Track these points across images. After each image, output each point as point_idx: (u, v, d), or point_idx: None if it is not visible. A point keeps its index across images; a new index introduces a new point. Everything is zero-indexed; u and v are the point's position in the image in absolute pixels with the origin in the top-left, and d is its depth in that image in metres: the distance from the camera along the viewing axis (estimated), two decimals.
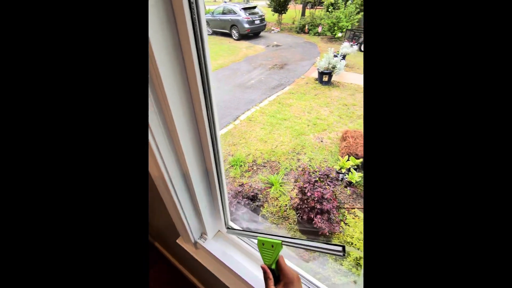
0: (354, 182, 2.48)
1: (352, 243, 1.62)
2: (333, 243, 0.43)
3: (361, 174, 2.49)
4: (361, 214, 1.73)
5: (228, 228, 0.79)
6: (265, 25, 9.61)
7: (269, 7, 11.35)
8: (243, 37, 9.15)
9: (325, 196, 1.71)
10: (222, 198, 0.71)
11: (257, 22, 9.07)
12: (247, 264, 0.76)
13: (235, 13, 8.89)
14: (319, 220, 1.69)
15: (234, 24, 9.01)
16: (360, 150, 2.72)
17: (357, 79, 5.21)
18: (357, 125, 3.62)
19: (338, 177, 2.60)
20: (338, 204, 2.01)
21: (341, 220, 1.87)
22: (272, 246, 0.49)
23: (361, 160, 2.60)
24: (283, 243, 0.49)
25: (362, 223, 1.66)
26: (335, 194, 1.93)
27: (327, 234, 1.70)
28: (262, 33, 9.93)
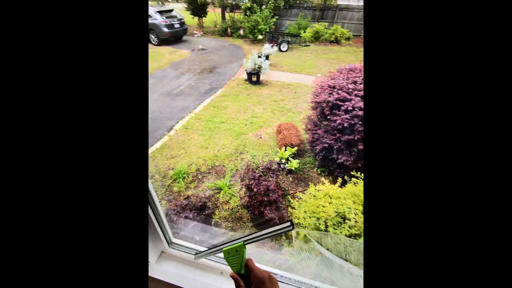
0: (293, 169, 2.75)
1: (299, 223, 1.80)
2: (281, 222, 0.44)
3: (298, 161, 2.78)
4: (303, 196, 1.94)
5: (173, 248, 0.73)
6: (186, 29, 9.28)
7: (187, 10, 11.02)
8: (164, 42, 8.58)
9: (270, 188, 1.83)
10: (157, 218, 0.66)
11: (177, 26, 8.67)
12: (205, 279, 0.73)
13: (150, 16, 8.20)
14: (269, 211, 1.79)
15: (151, 28, 8.31)
16: (294, 140, 3.03)
17: (282, 76, 5.76)
18: (288, 117, 4.00)
19: (280, 167, 2.82)
20: (283, 192, 2.18)
21: (288, 206, 2.05)
22: (237, 251, 0.48)
23: (296, 148, 2.91)
24: (244, 242, 0.48)
25: (305, 204, 1.86)
26: (279, 184, 2.09)
27: (278, 222, 1.83)
28: (184, 37, 9.56)
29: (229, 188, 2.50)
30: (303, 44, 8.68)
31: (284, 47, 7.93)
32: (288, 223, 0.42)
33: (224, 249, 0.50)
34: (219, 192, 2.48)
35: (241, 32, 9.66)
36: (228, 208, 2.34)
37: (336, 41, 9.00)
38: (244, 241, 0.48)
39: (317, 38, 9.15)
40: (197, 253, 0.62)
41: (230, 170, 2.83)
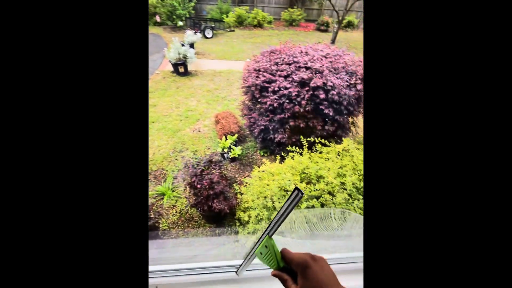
0: (237, 156, 2.77)
1: (250, 207, 1.86)
2: (291, 193, 0.39)
3: (240, 147, 2.81)
4: (250, 180, 1.99)
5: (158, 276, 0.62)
6: None
7: None
8: None
9: (214, 180, 1.78)
10: None
11: None
12: None
13: None
14: (217, 204, 1.76)
15: None
16: (233, 127, 3.02)
17: (211, 64, 5.54)
18: (225, 106, 3.94)
19: (224, 157, 2.79)
20: (229, 181, 2.18)
21: (236, 193, 2.07)
22: (266, 247, 0.44)
23: (236, 135, 2.92)
24: (269, 234, 0.44)
25: (252, 187, 1.92)
26: (224, 174, 2.06)
27: (228, 211, 1.83)
28: None
29: (173, 191, 2.32)
30: (228, 30, 8.52)
31: (208, 33, 7.59)
32: (296, 192, 0.38)
33: (255, 251, 0.47)
34: (162, 198, 2.27)
35: (157, 18, 8.64)
36: (176, 212, 2.19)
37: (259, 25, 9.23)
38: (267, 233, 0.44)
39: (240, 22, 9.14)
40: (237, 268, 0.56)
41: (172, 172, 2.62)
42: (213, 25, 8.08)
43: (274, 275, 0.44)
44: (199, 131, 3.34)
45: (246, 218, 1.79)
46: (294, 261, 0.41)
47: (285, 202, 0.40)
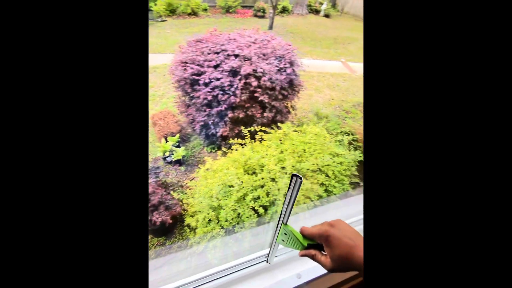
0: (182, 157, 2.56)
1: (196, 211, 1.74)
2: (289, 181, 0.41)
3: (184, 147, 2.60)
4: (196, 182, 1.86)
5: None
6: None
7: None
8: None
9: (149, 191, 1.59)
10: None
11: None
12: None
13: None
14: (157, 216, 1.59)
15: None
16: (173, 127, 2.77)
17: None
18: (163, 105, 3.59)
19: (166, 160, 2.56)
20: (172, 187, 2.00)
21: (180, 200, 1.91)
22: (286, 234, 0.46)
23: (178, 135, 2.69)
24: (284, 223, 0.46)
25: (199, 189, 1.79)
26: (163, 181, 1.87)
27: (171, 221, 1.67)
28: None
29: None
30: (159, 20, 7.71)
31: None
32: (294, 178, 0.40)
33: (277, 241, 0.49)
34: None
35: None
36: None
37: (194, 13, 8.63)
38: (282, 222, 0.46)
39: (172, 11, 8.36)
40: (266, 257, 0.59)
41: None
42: None
43: (302, 255, 0.45)
44: None
45: (194, 223, 1.68)
46: (315, 235, 0.42)
47: (288, 191, 0.42)
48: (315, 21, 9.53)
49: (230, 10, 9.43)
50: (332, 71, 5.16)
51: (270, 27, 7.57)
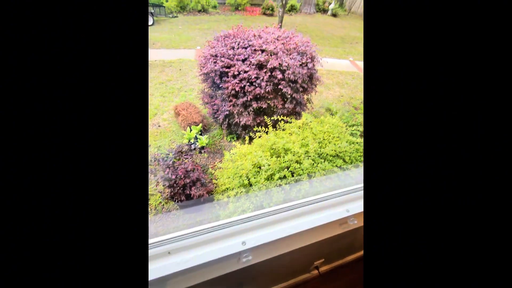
0: (205, 145, 2.77)
1: (228, 188, 1.95)
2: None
3: (206, 136, 2.80)
4: (222, 165, 2.06)
5: None
6: None
7: None
8: None
9: (189, 169, 1.79)
10: None
11: None
12: None
13: None
14: (196, 190, 1.79)
15: None
16: (196, 117, 2.97)
17: (159, 54, 5.14)
18: (182, 97, 3.79)
19: (191, 147, 2.76)
20: (202, 169, 2.21)
21: (211, 179, 2.12)
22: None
23: (201, 125, 2.89)
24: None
25: (226, 170, 1.99)
26: (196, 162, 2.08)
27: (207, 195, 1.88)
28: None
29: None
30: (171, 16, 7.88)
31: (149, 20, 6.89)
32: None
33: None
34: None
35: None
36: (151, 210, 2.12)
37: (204, 10, 8.79)
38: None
39: (183, 8, 8.53)
40: None
41: None
42: (152, 11, 7.35)
43: None
44: (159, 126, 3.17)
45: (225, 199, 1.88)
46: None
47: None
48: (323, 20, 9.68)
49: (239, 8, 9.58)
50: (341, 69, 5.34)
51: (280, 25, 7.73)
